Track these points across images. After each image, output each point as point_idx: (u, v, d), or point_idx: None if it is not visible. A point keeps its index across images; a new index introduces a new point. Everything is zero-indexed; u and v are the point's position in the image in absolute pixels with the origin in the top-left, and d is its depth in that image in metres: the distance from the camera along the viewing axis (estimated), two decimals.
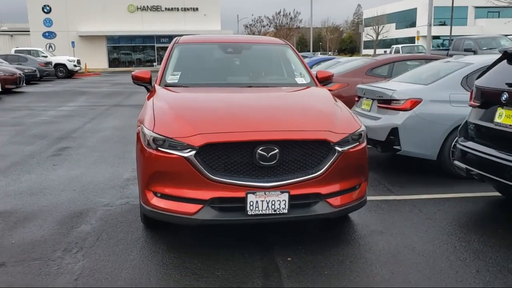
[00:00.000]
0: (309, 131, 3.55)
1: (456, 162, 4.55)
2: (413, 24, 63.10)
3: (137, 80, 4.94)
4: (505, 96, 3.88)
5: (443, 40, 55.61)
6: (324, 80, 5.01)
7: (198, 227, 4.02)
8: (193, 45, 5.33)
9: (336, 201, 3.60)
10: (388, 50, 61.88)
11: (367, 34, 65.01)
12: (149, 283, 3.19)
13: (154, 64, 45.22)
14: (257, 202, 3.39)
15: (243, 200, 3.39)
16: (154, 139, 3.50)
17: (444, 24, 59.59)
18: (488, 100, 4.19)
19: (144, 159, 3.60)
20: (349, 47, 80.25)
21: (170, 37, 45.23)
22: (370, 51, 62.84)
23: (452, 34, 48.37)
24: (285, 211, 3.43)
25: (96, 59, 42.44)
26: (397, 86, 6.06)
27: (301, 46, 79.32)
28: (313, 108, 4.04)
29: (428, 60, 8.60)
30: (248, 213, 3.40)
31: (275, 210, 3.42)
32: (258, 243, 3.82)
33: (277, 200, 3.41)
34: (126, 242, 3.84)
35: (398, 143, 5.74)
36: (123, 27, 43.27)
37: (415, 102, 5.70)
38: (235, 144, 3.38)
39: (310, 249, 3.69)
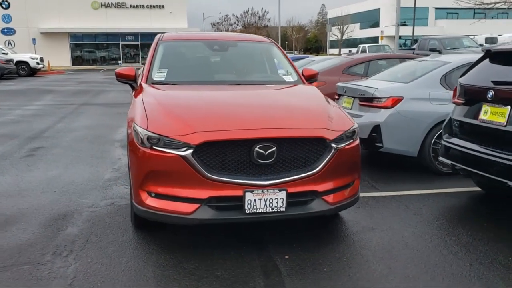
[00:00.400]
0: (305, 129, 3.55)
1: (441, 158, 4.66)
2: (376, 24, 64.38)
3: (121, 78, 4.81)
4: (491, 93, 3.99)
5: (405, 40, 56.85)
6: (310, 78, 5.03)
7: (193, 227, 3.95)
8: (178, 42, 5.24)
9: (331, 198, 3.61)
10: (353, 50, 62.98)
11: (332, 33, 65.85)
12: (147, 284, 3.12)
13: (119, 62, 44.36)
14: (255, 200, 3.36)
15: (241, 198, 3.36)
16: (149, 138, 3.41)
17: (405, 24, 61.10)
18: (472, 97, 4.30)
19: (137, 158, 3.51)
20: (314, 46, 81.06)
21: (135, 35, 44.60)
22: (335, 51, 63.73)
23: (414, 35, 49.71)
24: (283, 209, 3.42)
25: (59, 57, 41.21)
26: (378, 84, 6.15)
27: None
28: (307, 106, 4.05)
29: (402, 59, 8.77)
30: (246, 211, 3.37)
31: (272, 208, 3.40)
32: (253, 241, 3.79)
33: (275, 198, 3.39)
34: (117, 243, 3.74)
35: (380, 140, 5.83)
36: (87, 24, 42.22)
37: (397, 100, 5.80)
38: (233, 142, 3.35)
39: (306, 246, 3.69)
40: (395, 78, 6.40)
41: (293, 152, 3.45)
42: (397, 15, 19.33)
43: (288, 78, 4.85)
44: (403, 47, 47.20)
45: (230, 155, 3.36)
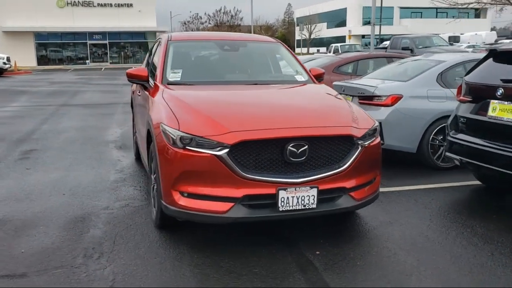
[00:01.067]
0: (335, 127, 3.64)
1: (448, 154, 4.84)
2: (343, 24, 65.37)
3: (134, 78, 4.79)
4: (500, 91, 4.19)
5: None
6: (318, 77, 5.12)
7: (218, 226, 3.99)
8: (188, 42, 5.24)
9: (358, 194, 3.73)
10: (321, 49, 63.67)
11: (301, 33, 66.50)
12: (188, 284, 3.14)
13: (87, 62, 43.47)
14: (287, 198, 3.44)
15: (274, 196, 3.42)
16: (182, 138, 3.43)
17: (369, 23, 62.43)
18: (480, 95, 4.50)
19: (169, 158, 3.52)
20: None
21: (103, 34, 43.73)
22: (303, 50, 64.34)
23: (380, 33, 50.74)
24: (314, 206, 3.51)
25: (23, 57, 39.87)
26: (378, 83, 6.31)
27: None
28: (331, 104, 4.15)
29: (389, 58, 9.01)
30: (280, 209, 3.44)
31: (304, 206, 3.48)
32: (281, 239, 3.86)
33: (307, 196, 3.48)
34: (146, 244, 3.74)
35: (381, 137, 5.98)
36: (53, 23, 41.09)
37: (397, 98, 5.97)
38: (267, 141, 3.41)
39: (333, 242, 3.79)
40: (392, 77, 6.59)
41: (323, 150, 3.54)
42: (373, 15, 19.80)
43: (299, 78, 4.94)
44: (368, 46, 48.12)
45: (264, 154, 3.43)
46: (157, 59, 4.95)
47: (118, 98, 15.17)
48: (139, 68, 4.79)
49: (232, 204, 3.42)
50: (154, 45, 6.17)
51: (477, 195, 5.17)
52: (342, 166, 3.59)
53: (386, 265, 3.41)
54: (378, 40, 50.08)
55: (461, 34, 47.44)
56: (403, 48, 19.82)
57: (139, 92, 5.31)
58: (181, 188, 3.50)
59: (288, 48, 5.40)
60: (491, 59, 4.71)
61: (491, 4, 14.38)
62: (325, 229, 4.07)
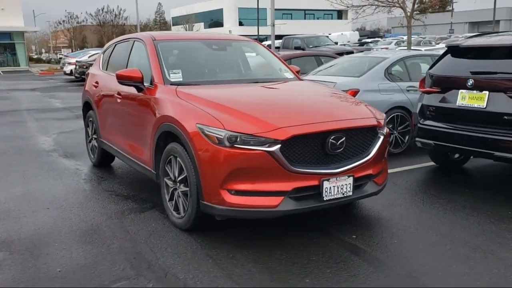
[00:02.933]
0: (363, 119, 3.94)
1: (419, 139, 5.44)
2: (220, 24, 66.42)
3: (126, 80, 4.56)
4: (470, 82, 4.86)
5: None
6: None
7: (248, 222, 4.04)
8: (175, 42, 5.11)
9: (379, 180, 4.08)
10: None
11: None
12: (262, 278, 3.18)
13: None
14: (330, 188, 3.66)
15: (318, 187, 3.62)
16: (230, 137, 3.45)
17: (241, 24, 64.38)
18: (449, 86, 5.14)
19: (215, 158, 3.51)
20: None
21: None
22: None
23: (256, 34, 52.63)
24: (350, 193, 3.78)
25: None
26: (335, 79, 6.77)
27: (92, 43, 76.34)
28: (346, 99, 4.42)
29: (322, 56, 9.64)
30: (324, 199, 3.65)
31: (343, 194, 3.73)
32: (313, 229, 4.03)
33: (345, 184, 3.73)
34: (188, 247, 3.66)
35: None
36: None
37: (355, 92, 6.48)
38: (313, 135, 3.58)
39: (359, 226, 4.09)
40: (344, 73, 7.10)
41: (355, 140, 3.82)
42: (272, 16, 20.54)
43: (288, 75, 5.14)
44: None
45: (308, 147, 3.60)
46: (145, 60, 4.77)
47: (16, 105, 13.83)
48: (132, 69, 4.57)
49: (282, 197, 3.53)
50: (117, 45, 5.89)
51: (439, 173, 5.88)
52: (369, 155, 3.90)
53: (419, 239, 3.80)
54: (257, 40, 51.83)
55: (329, 34, 51.28)
56: (296, 48, 20.98)
57: (119, 95, 5.05)
58: (229, 187, 3.51)
59: (265, 46, 5.57)
60: (449, 54, 5.39)
61: (384, 6, 15.92)
62: (342, 216, 4.35)
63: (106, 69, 5.95)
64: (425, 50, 13.80)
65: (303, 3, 71.14)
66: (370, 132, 3.93)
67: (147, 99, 4.44)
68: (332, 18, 76.06)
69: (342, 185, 3.72)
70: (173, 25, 78.37)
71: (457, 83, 5.04)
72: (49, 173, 5.97)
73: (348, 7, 16.83)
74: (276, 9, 69.85)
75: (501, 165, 6.14)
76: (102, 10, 67.11)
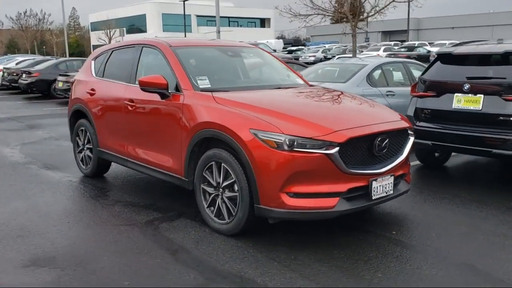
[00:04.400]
0: (399, 121, 4.20)
1: (417, 140, 5.80)
2: (144, 30, 65.07)
3: (150, 87, 4.47)
4: (467, 86, 5.32)
5: None
6: None
7: (290, 224, 4.13)
8: (192, 48, 5.07)
9: (408, 178, 4.37)
10: None
11: (99, 38, 63.62)
12: (317, 278, 3.30)
13: None
14: (377, 187, 3.87)
15: (367, 187, 3.81)
16: (289, 141, 3.54)
17: (166, 30, 63.71)
18: (445, 90, 5.58)
19: (275, 162, 3.58)
20: (76, 51, 76.62)
21: None
22: None
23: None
24: (392, 192, 4.02)
25: None
26: (325, 85, 7.02)
27: (12, 49, 71.88)
28: (374, 104, 4.64)
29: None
30: (372, 198, 3.85)
31: (386, 193, 3.96)
32: (355, 229, 4.18)
33: (388, 183, 3.97)
34: (259, 251, 3.67)
35: None
36: None
37: None
38: (365, 137, 3.77)
39: (392, 223, 4.35)
40: (329, 79, 7.40)
41: (394, 141, 4.07)
42: (217, 22, 20.58)
43: (299, 81, 5.30)
44: None
45: (358, 149, 3.78)
46: (161, 67, 4.71)
47: None
48: (155, 76, 4.47)
49: (337, 198, 3.68)
50: (114, 52, 5.71)
51: (428, 172, 6.33)
52: (403, 155, 4.16)
53: (451, 232, 4.12)
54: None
55: (255, 41, 52.29)
56: None
57: (131, 102, 4.92)
58: (288, 190, 3.60)
59: (271, 53, 5.69)
60: (439, 61, 5.86)
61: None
62: (370, 214, 4.57)
63: (103, 76, 5.74)
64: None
65: (227, 10, 71.78)
66: (404, 134, 4.19)
67: (175, 106, 4.38)
68: (255, 26, 77.52)
69: (386, 184, 3.94)
70: (91, 30, 75.54)
71: (452, 88, 5.49)
72: (42, 187, 5.62)
73: (296, 15, 17.38)
74: (200, 16, 69.64)
75: (476, 163, 6.75)
76: (24, 14, 63.17)
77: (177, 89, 4.45)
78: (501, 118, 5.08)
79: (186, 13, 58.35)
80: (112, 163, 5.93)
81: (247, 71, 5.23)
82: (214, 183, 4.05)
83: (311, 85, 5.32)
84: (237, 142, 3.76)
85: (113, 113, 5.35)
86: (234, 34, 63.59)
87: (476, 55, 5.54)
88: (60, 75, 15.99)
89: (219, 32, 20.37)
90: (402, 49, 34.43)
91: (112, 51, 5.78)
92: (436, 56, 5.98)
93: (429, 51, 32.18)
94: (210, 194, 4.12)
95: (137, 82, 5.04)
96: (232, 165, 3.83)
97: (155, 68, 4.97)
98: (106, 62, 5.77)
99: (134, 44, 5.41)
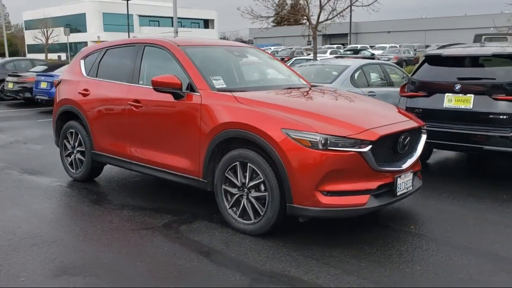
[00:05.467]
0: (414, 120, 4.35)
1: None
2: (84, 29, 62.81)
3: (164, 87, 4.36)
4: (458, 86, 5.61)
5: None
6: None
7: (314, 222, 4.18)
8: (201, 48, 4.98)
9: (419, 175, 4.54)
10: (61, 55, 59.62)
11: (35, 37, 60.68)
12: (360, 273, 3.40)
13: None
14: (401, 183, 4.02)
15: (392, 184, 3.94)
16: (323, 140, 3.59)
17: (106, 30, 61.94)
18: (435, 90, 5.85)
19: (310, 162, 3.62)
20: (10, 50, 72.50)
21: None
22: (40, 55, 58.99)
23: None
24: (411, 188, 4.19)
25: None
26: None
27: None
28: (386, 103, 4.77)
29: None
30: (397, 194, 3.98)
31: (407, 188, 4.12)
32: (374, 224, 4.30)
33: (409, 180, 4.13)
34: (293, 250, 3.68)
35: None
36: None
37: None
38: (391, 136, 3.89)
39: (408, 218, 4.51)
40: (314, 80, 7.49)
41: (411, 139, 4.22)
42: (175, 23, 20.20)
43: (302, 81, 5.36)
44: None
45: (385, 147, 3.90)
46: (168, 66, 4.63)
47: None
48: (168, 76, 4.35)
49: (368, 195, 3.78)
50: (109, 51, 5.52)
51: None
52: (418, 152, 4.32)
53: (463, 225, 4.34)
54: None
55: None
56: None
57: (138, 102, 4.77)
58: (323, 188, 3.65)
59: (270, 53, 5.71)
60: (426, 63, 6.14)
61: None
62: (382, 211, 4.70)
63: (97, 76, 5.52)
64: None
65: (170, 11, 70.80)
66: (419, 131, 4.36)
67: (192, 107, 4.30)
68: (199, 27, 76.93)
69: (407, 180, 4.09)
70: (26, 29, 71.86)
71: (443, 88, 5.77)
72: (33, 192, 5.31)
73: (257, 18, 17.48)
74: (142, 16, 68.29)
75: (450, 159, 7.14)
76: None
77: (191, 89, 4.37)
78: (491, 116, 5.41)
79: (124, 13, 56.92)
80: (105, 166, 5.72)
81: (254, 71, 5.23)
82: (239, 184, 4.02)
83: (312, 85, 5.39)
84: (268, 142, 3.76)
85: (113, 114, 5.16)
86: (179, 35, 62.79)
87: (465, 57, 5.86)
88: (9, 75, 15.13)
89: (176, 32, 20.07)
90: (348, 52, 35.44)
91: (106, 50, 5.57)
92: (424, 58, 6.25)
93: (373, 54, 33.38)
94: (233, 194, 4.09)
95: (141, 82, 4.95)
96: (261, 165, 3.83)
97: (161, 67, 4.85)
98: (100, 62, 5.55)
99: (133, 43, 5.24)
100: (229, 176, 4.09)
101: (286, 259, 3.56)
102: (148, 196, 5.16)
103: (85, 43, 60.24)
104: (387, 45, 42.45)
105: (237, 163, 4.01)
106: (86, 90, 5.47)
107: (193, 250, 3.74)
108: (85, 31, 62.02)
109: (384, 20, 74.60)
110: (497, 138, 5.35)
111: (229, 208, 4.14)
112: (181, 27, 73.62)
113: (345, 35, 58.07)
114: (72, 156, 5.78)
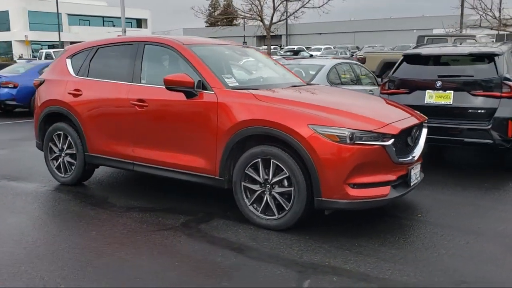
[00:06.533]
0: (418, 115, 4.61)
1: None
2: (7, 28, 59.15)
3: (176, 85, 4.32)
4: (439, 83, 6.00)
5: (42, 45, 54.67)
6: None
7: (327, 216, 4.32)
8: (205, 47, 4.94)
9: (421, 168, 4.82)
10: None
11: None
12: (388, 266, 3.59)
13: None
14: (413, 174, 4.27)
15: (407, 175, 4.18)
16: (351, 135, 3.74)
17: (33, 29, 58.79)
18: (416, 87, 6.20)
19: (341, 155, 3.76)
20: None
21: None
22: None
23: (52, 40, 48.87)
24: (420, 178, 4.46)
25: None
26: None
27: None
28: (388, 100, 4.99)
29: None
30: (410, 184, 4.22)
31: (416, 179, 4.38)
32: (384, 215, 4.49)
33: (418, 171, 4.40)
34: (322, 242, 3.78)
35: None
36: None
37: None
38: (407, 130, 4.12)
39: (411, 207, 4.76)
40: None
41: (418, 133, 4.48)
42: (123, 21, 19.56)
43: (299, 80, 5.48)
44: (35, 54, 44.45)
45: (402, 140, 4.12)
46: (174, 65, 4.62)
47: None
48: (180, 74, 4.31)
49: (389, 187, 3.98)
50: (101, 49, 5.34)
51: None
52: (421, 145, 4.58)
53: (464, 211, 4.67)
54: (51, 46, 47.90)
55: None
56: None
57: (143, 102, 4.67)
58: (351, 181, 3.81)
59: (266, 53, 5.79)
60: (405, 62, 6.50)
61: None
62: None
63: (88, 75, 5.31)
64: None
65: (101, 9, 68.70)
66: (421, 126, 4.63)
67: (207, 105, 4.29)
68: (132, 26, 74.87)
69: (417, 171, 4.36)
70: None
71: (423, 85, 6.14)
72: (24, 199, 5.03)
73: (210, 18, 17.38)
74: (72, 14, 65.48)
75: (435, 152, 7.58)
76: None
77: (203, 87, 4.36)
78: (470, 110, 5.84)
79: (53, 11, 54.33)
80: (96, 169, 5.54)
81: (256, 69, 5.28)
82: (261, 180, 4.07)
83: (307, 83, 5.54)
84: (295, 138, 3.84)
85: (111, 114, 5.00)
86: (112, 35, 60.87)
87: (443, 56, 6.27)
88: None
89: (124, 31, 19.49)
90: (288, 53, 36.20)
91: (98, 49, 5.38)
92: (402, 57, 6.60)
93: (311, 55, 34.29)
94: (254, 191, 4.13)
95: (143, 82, 4.85)
96: (286, 161, 3.90)
97: (166, 66, 4.80)
98: (91, 61, 5.35)
99: (132, 41, 5.11)
100: (249, 173, 4.12)
101: (320, 251, 3.67)
102: (149, 197, 5.05)
103: (9, 43, 56.97)
104: (322, 47, 43.78)
105: (259, 159, 4.05)
106: (77, 90, 5.25)
107: (224, 247, 3.74)
108: (8, 29, 58.39)
109: (315, 22, 76.69)
110: (477, 131, 5.78)
111: (249, 205, 4.17)
112: (112, 26, 71.54)
113: (278, 36, 59.03)
114: (60, 160, 5.52)
